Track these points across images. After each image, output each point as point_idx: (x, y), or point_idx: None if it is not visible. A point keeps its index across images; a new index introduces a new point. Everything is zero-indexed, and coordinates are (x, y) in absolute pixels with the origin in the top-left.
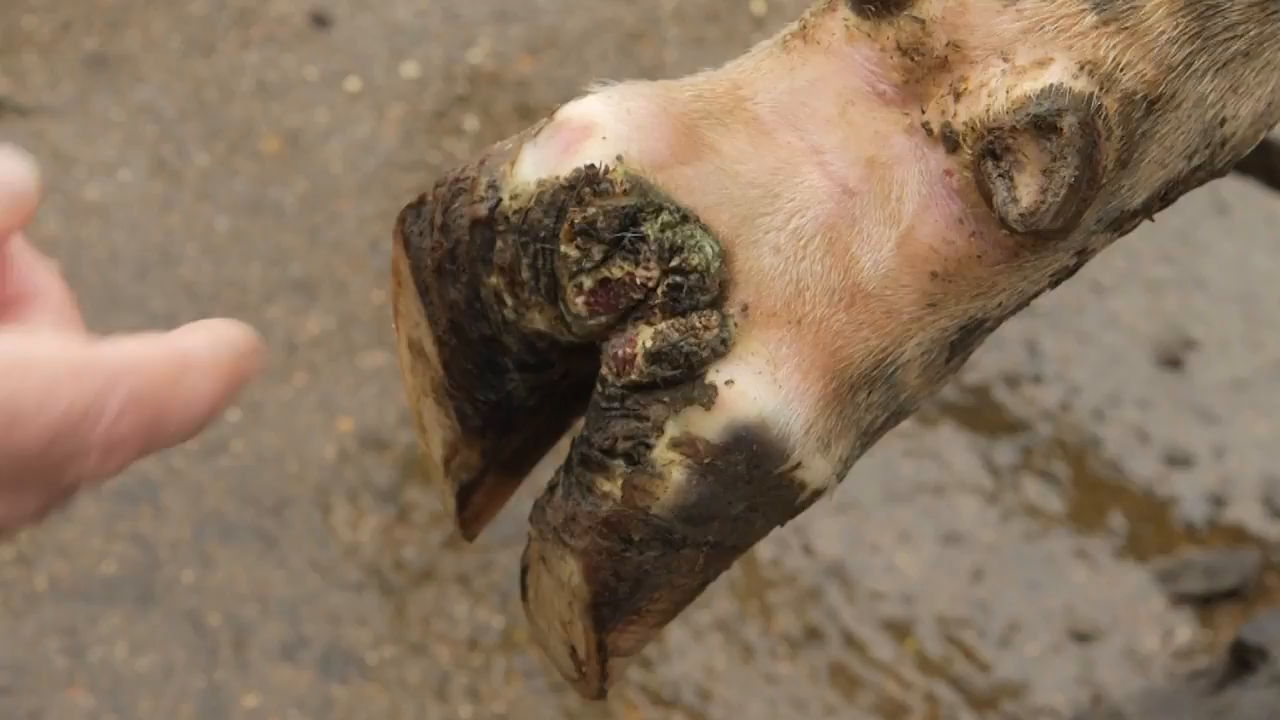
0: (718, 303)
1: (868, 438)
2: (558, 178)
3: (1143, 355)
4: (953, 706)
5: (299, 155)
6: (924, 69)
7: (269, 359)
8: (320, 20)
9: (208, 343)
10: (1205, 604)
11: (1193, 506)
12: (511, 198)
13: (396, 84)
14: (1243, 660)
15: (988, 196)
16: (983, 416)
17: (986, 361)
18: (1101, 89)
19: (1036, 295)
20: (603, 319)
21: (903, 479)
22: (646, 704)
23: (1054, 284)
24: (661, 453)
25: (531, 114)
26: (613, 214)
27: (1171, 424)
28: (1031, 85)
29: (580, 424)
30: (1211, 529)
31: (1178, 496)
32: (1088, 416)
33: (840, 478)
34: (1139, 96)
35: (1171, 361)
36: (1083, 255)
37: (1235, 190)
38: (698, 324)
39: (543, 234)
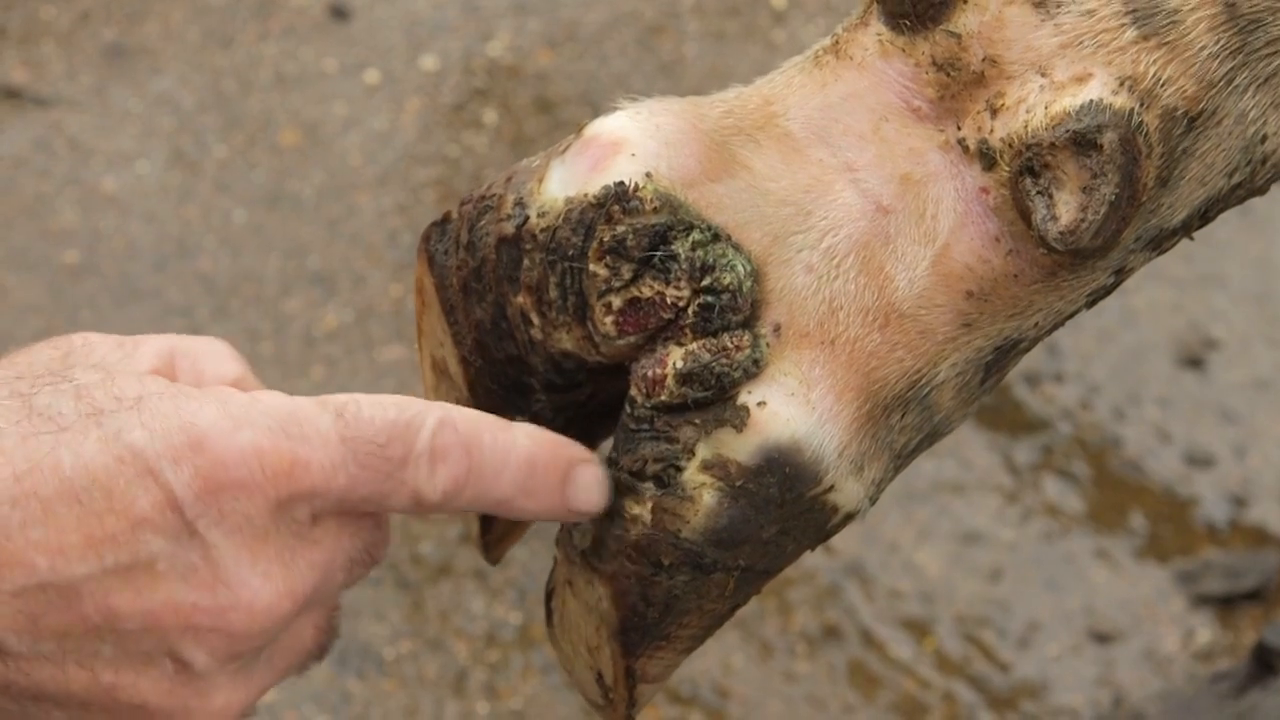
0: (749, 323)
1: (901, 460)
2: (586, 195)
3: (1163, 354)
4: (972, 706)
5: (317, 147)
6: (960, 84)
7: (286, 352)
8: (339, 12)
9: (527, 426)
10: (1226, 605)
11: (1214, 507)
12: (539, 215)
13: (415, 76)
14: (1265, 663)
15: (1025, 214)
16: (1003, 415)
17: None
18: (1142, 105)
19: (1073, 315)
20: (632, 339)
21: (922, 477)
22: (664, 702)
23: (1091, 304)
24: (692, 475)
25: (550, 107)
26: (642, 232)
27: (1192, 423)
28: (1071, 101)
29: (607, 445)
30: (1232, 529)
31: (1198, 496)
32: (1108, 416)
33: (873, 501)
34: (1180, 113)
35: (1192, 361)
36: (1121, 274)
37: None
38: (729, 344)
39: (571, 252)
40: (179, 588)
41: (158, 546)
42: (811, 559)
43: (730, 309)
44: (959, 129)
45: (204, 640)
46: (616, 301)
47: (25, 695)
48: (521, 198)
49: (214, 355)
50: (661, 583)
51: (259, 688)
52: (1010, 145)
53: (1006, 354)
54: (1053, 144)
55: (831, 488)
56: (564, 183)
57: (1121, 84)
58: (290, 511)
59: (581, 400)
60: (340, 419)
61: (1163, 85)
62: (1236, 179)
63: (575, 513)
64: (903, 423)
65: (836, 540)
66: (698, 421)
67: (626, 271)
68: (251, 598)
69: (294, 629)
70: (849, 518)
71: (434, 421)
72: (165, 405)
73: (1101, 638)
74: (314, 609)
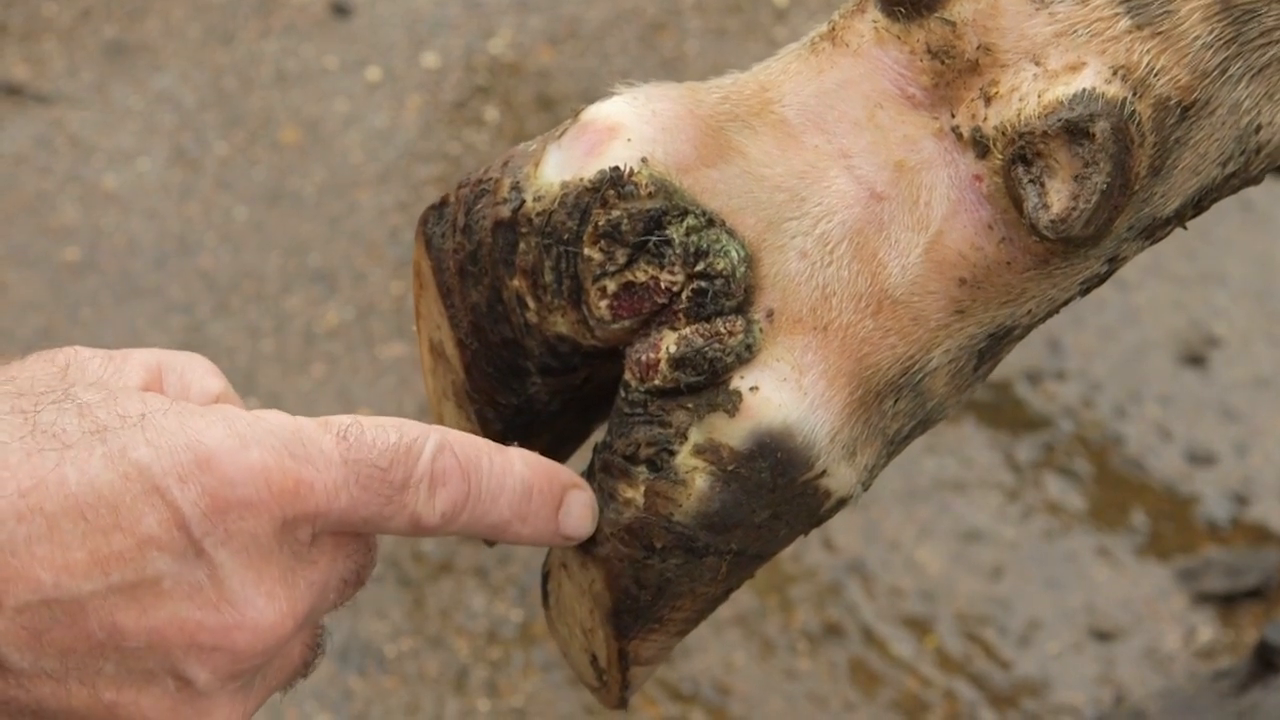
0: (743, 308)
1: (894, 446)
2: (582, 179)
3: (1165, 352)
4: (973, 704)
5: (318, 145)
6: (954, 72)
7: (287, 349)
8: (340, 9)
9: (521, 451)
10: (1227, 603)
11: (1215, 505)
12: (535, 199)
13: (416, 74)
14: (1266, 661)
15: (1018, 202)
16: (1004, 413)
17: (1008, 358)
18: (1135, 94)
19: (1067, 303)
20: (626, 323)
21: (923, 475)
22: (665, 699)
23: (1084, 292)
24: (685, 459)
25: (552, 105)
26: (637, 217)
27: (1194, 421)
28: (1064, 90)
29: (602, 429)
30: (1234, 527)
31: (1200, 494)
32: (1109, 413)
33: (866, 486)
34: (1173, 102)
35: (1194, 358)
36: (1114, 263)
37: (1259, 186)
38: (722, 329)
39: (566, 236)
40: (184, 606)
41: (164, 565)
42: (813, 557)
43: (724, 294)
44: (953, 116)
45: (207, 659)
46: (611, 286)
47: (25, 711)
48: (518, 181)
49: (198, 370)
50: (654, 566)
51: (255, 705)
52: (1003, 133)
53: (1000, 341)
54: (1045, 132)
55: (824, 473)
56: (560, 167)
57: (1115, 73)
58: (293, 531)
59: (577, 384)
60: (343, 441)
61: (1156, 75)
62: (1230, 168)
63: (565, 538)
64: (895, 408)
65: (837, 538)
66: (690, 406)
67: (621, 256)
68: (256, 617)
69: (287, 647)
70: (841, 503)
71: (433, 445)
72: (170, 422)
73: (1102, 636)
74: (306, 627)
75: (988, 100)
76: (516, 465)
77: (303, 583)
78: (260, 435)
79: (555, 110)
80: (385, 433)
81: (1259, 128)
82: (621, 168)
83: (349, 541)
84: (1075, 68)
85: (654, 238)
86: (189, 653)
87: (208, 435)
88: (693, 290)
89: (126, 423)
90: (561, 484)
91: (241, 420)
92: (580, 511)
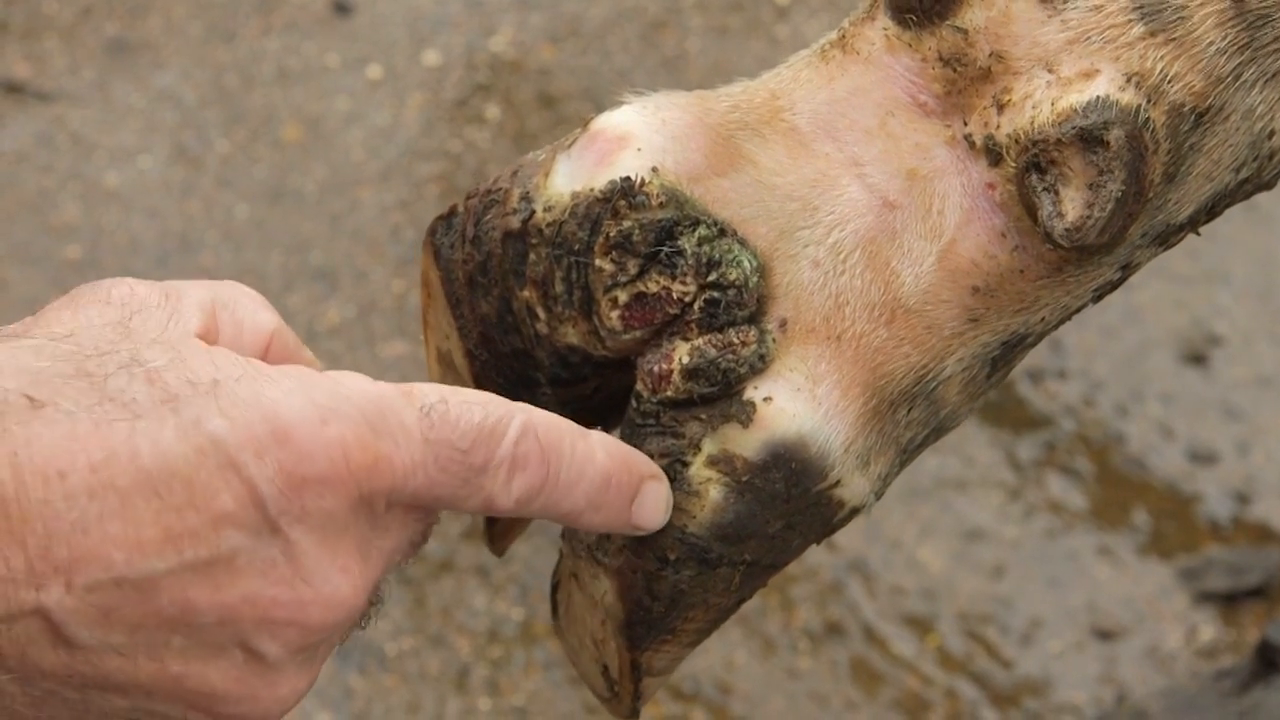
0: (755, 318)
1: (907, 455)
2: (592, 190)
3: (1167, 351)
4: (974, 703)
5: (319, 143)
6: (966, 80)
7: None
8: (342, 7)
9: (603, 437)
10: (1229, 602)
11: (1217, 503)
12: (545, 210)
13: (418, 72)
14: (1268, 660)
15: (1032, 210)
16: (1006, 412)
17: None
18: (1149, 101)
19: (1079, 310)
20: (638, 334)
21: (925, 474)
22: (667, 699)
23: (1097, 298)
24: (698, 470)
25: (553, 102)
26: (648, 227)
27: (1195, 420)
28: (1077, 97)
29: None
30: (1235, 526)
31: (1201, 493)
32: (1111, 412)
33: (879, 495)
34: (1187, 109)
35: (1196, 357)
36: (1127, 270)
37: None
38: (735, 340)
39: (577, 247)
40: (258, 582)
41: (238, 542)
42: (814, 556)
43: (736, 304)
44: (965, 124)
45: (279, 633)
46: (622, 296)
47: (90, 685)
48: (527, 192)
49: (249, 306)
50: (667, 577)
51: (318, 670)
52: (1016, 141)
53: (1013, 349)
54: (1059, 140)
55: (838, 483)
56: (570, 177)
57: (1128, 80)
58: (369, 504)
59: (587, 394)
60: (426, 418)
61: (1170, 81)
62: (1244, 174)
63: (638, 528)
64: (909, 417)
65: (839, 537)
66: (704, 417)
67: (632, 266)
68: (331, 592)
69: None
70: (855, 512)
71: (518, 428)
72: (244, 391)
73: (1104, 635)
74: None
75: (1000, 108)
76: (598, 453)
77: (376, 552)
78: (339, 405)
79: (556, 108)
80: (470, 410)
81: (1272, 133)
82: (632, 178)
83: (419, 507)
84: (1089, 75)
85: (665, 248)
86: (260, 627)
87: (284, 406)
88: (705, 300)
89: (198, 391)
90: (640, 475)
91: (319, 388)
92: (654, 504)
